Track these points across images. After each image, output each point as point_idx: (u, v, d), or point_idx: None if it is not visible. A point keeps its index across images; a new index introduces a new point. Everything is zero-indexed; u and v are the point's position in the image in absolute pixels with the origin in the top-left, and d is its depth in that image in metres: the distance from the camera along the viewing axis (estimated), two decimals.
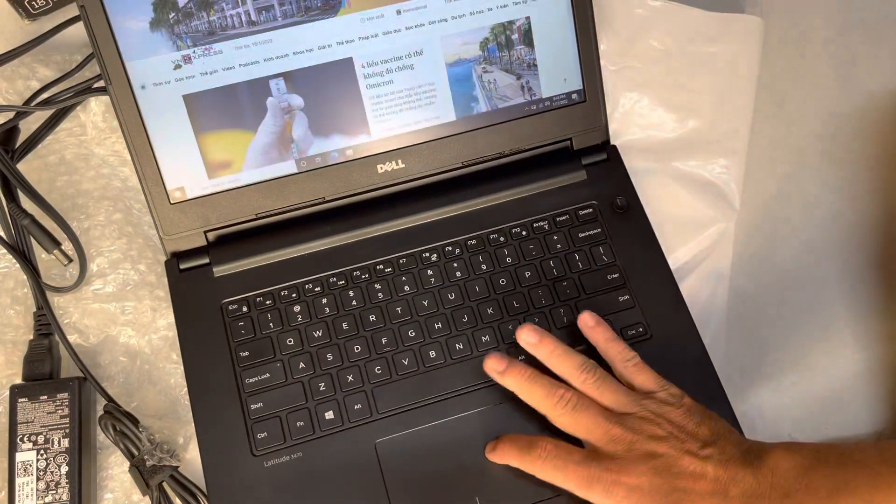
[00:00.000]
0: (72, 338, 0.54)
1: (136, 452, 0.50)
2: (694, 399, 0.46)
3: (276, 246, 0.54)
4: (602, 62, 0.57)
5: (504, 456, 0.46)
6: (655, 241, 0.55)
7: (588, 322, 0.49)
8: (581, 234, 0.55)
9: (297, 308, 0.52)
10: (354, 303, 0.52)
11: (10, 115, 0.56)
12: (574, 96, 0.57)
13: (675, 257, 0.57)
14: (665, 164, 0.60)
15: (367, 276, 0.53)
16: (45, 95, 0.57)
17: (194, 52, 0.50)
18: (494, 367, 0.47)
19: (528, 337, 0.48)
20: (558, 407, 0.45)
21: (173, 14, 0.50)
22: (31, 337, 0.53)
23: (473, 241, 0.55)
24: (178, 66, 0.50)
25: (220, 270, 0.53)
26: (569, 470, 0.44)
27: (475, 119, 0.55)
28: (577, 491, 0.44)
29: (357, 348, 0.51)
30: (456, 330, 0.52)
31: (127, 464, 0.51)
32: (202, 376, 0.50)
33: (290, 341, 0.51)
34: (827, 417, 0.55)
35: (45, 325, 0.53)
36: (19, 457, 0.49)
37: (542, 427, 0.47)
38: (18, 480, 0.49)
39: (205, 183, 0.53)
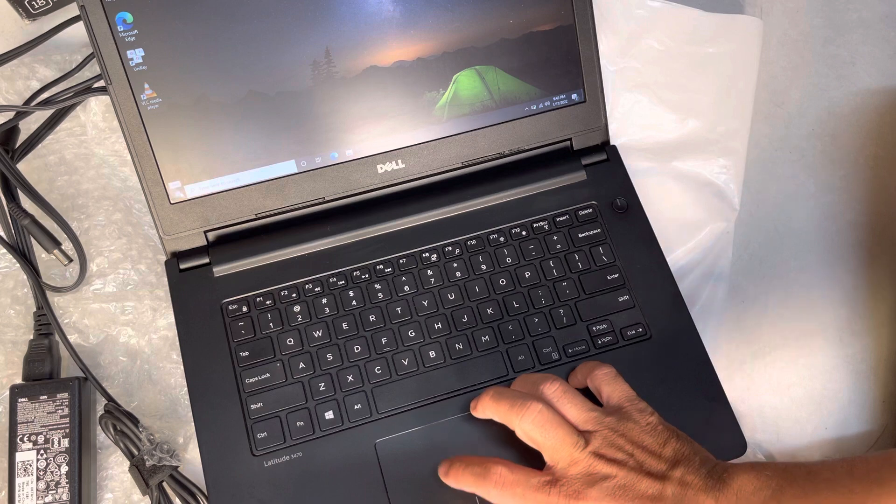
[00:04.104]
0: (72, 338, 0.54)
1: (136, 452, 0.50)
2: (661, 417, 0.45)
3: (276, 246, 0.54)
4: (602, 62, 0.57)
5: (458, 481, 0.45)
6: (655, 241, 0.55)
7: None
8: (581, 235, 0.55)
9: (297, 308, 0.52)
10: (354, 303, 0.52)
11: (10, 115, 0.56)
12: (574, 96, 0.57)
13: (675, 257, 0.57)
14: (665, 164, 0.60)
15: (366, 276, 0.53)
16: (45, 95, 0.57)
17: None
18: (473, 410, 0.47)
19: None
20: (525, 419, 0.44)
21: None
22: (31, 337, 0.53)
23: (473, 242, 0.55)
24: None
25: (220, 270, 0.53)
26: (527, 497, 0.42)
27: (475, 119, 0.55)
28: None
29: (357, 348, 0.51)
30: (456, 330, 0.52)
31: (127, 464, 0.51)
32: (202, 376, 0.50)
33: (290, 341, 0.51)
34: (827, 417, 0.55)
35: (45, 325, 0.53)
36: (19, 457, 0.49)
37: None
38: (18, 480, 0.49)
39: (205, 183, 0.53)
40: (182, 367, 0.51)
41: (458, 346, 0.51)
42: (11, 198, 0.55)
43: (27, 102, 0.57)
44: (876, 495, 0.40)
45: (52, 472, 0.49)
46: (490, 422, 0.47)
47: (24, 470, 0.49)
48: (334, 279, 0.53)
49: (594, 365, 0.47)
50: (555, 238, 0.55)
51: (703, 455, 0.43)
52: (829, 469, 0.42)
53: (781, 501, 0.40)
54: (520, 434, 0.44)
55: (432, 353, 0.51)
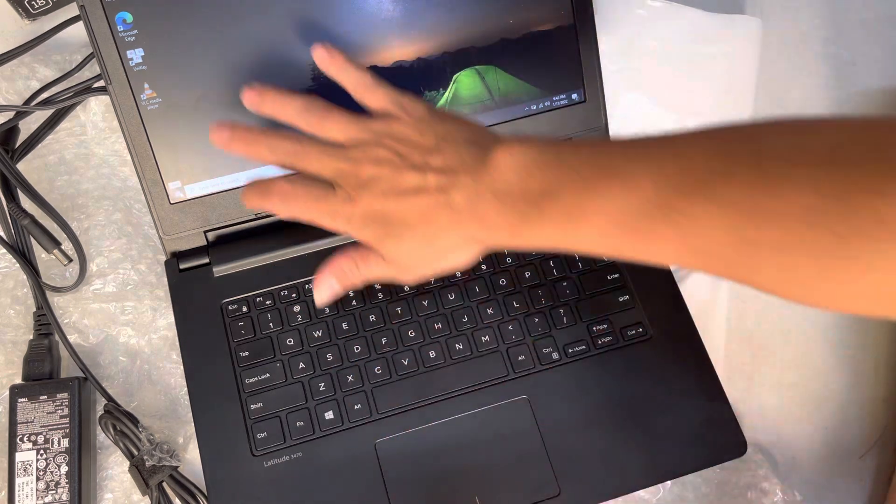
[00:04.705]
0: (72, 338, 0.54)
1: (135, 452, 0.50)
2: (435, 107, 0.43)
3: (276, 246, 0.54)
4: (602, 62, 0.57)
5: (251, 201, 0.44)
6: None
7: (322, 54, 0.45)
8: None
9: (297, 308, 0.52)
10: (354, 303, 0.52)
11: (10, 115, 0.56)
12: (574, 96, 0.57)
13: None
14: None
15: None
16: (45, 95, 0.57)
17: None
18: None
19: (249, 98, 0.44)
20: (287, 158, 0.43)
21: None
22: (31, 337, 0.53)
23: None
24: None
25: (220, 270, 0.53)
26: (310, 206, 0.42)
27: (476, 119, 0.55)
28: (322, 225, 0.43)
29: (357, 348, 0.51)
30: (456, 330, 0.52)
31: (127, 464, 0.51)
32: (202, 376, 0.50)
33: (290, 341, 0.51)
34: (827, 417, 0.55)
35: (45, 325, 0.53)
36: (19, 457, 0.49)
37: None
38: (18, 480, 0.49)
39: (205, 183, 0.53)
40: (182, 367, 0.51)
41: (458, 346, 0.51)
42: (11, 198, 0.55)
43: (27, 102, 0.57)
44: (610, 174, 0.37)
45: (51, 473, 0.49)
46: (491, 423, 0.47)
47: (24, 470, 0.49)
48: None
49: (353, 74, 0.44)
50: None
51: (468, 132, 0.42)
52: (575, 151, 0.39)
53: (528, 181, 0.39)
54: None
55: (432, 353, 0.51)
